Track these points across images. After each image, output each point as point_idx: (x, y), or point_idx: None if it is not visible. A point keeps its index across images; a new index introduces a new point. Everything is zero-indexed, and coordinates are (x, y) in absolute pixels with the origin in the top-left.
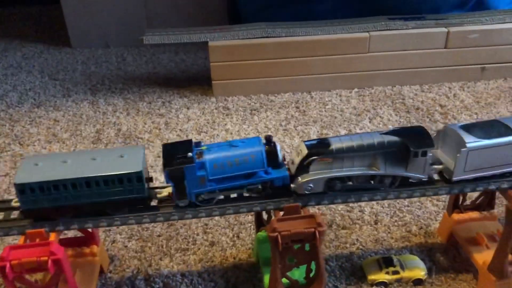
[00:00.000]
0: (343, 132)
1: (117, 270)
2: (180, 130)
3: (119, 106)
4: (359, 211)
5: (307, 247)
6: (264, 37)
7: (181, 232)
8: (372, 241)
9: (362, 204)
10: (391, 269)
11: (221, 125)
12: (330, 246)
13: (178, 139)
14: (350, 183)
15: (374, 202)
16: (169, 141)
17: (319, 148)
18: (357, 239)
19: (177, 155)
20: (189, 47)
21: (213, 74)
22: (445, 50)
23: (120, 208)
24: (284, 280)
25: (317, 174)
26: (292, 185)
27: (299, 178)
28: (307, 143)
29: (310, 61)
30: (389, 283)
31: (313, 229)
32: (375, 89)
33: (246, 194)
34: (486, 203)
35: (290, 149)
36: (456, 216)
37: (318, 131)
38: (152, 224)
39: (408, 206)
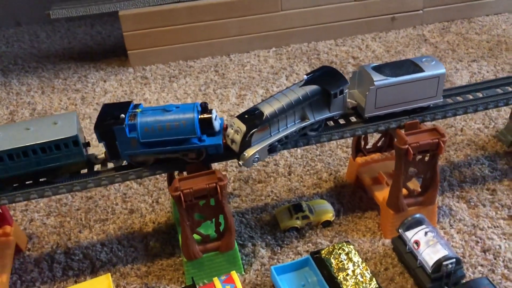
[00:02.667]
0: (261, 92)
1: (36, 248)
2: (97, 104)
3: (33, 85)
4: (274, 165)
5: (212, 202)
6: (175, 2)
7: (100, 203)
8: (286, 191)
9: (277, 158)
10: (301, 214)
11: (139, 95)
12: (247, 200)
13: (95, 114)
14: (287, 140)
15: (288, 155)
16: (85, 116)
17: (255, 120)
18: (271, 191)
19: (110, 115)
20: (106, 18)
21: (127, 44)
22: (356, 2)
23: (61, 174)
24: (196, 236)
25: (259, 144)
26: (240, 162)
27: (245, 154)
28: (240, 118)
29: (226, 23)
30: (300, 228)
31: (214, 184)
32: (291, 46)
33: (184, 159)
34: (386, 144)
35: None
36: (359, 159)
37: (236, 93)
38: (71, 198)
39: (319, 155)
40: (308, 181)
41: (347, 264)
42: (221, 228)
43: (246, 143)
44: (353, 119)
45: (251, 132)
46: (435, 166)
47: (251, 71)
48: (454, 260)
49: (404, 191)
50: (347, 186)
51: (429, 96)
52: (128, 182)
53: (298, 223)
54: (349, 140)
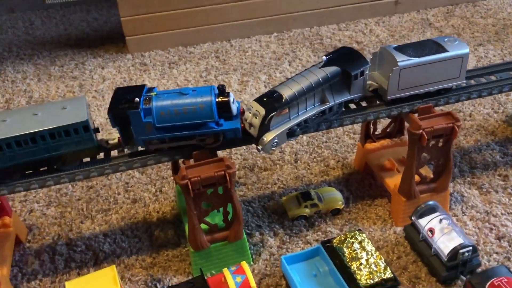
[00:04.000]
0: (263, 78)
1: (37, 239)
2: (96, 91)
3: (29, 72)
4: (280, 152)
5: (220, 190)
6: None
7: (101, 193)
8: (293, 178)
9: (283, 145)
10: (309, 202)
11: (139, 82)
12: (253, 189)
13: (94, 101)
14: (307, 124)
15: (293, 142)
16: None
17: (274, 103)
18: (278, 179)
19: (124, 99)
20: (102, 4)
21: (125, 29)
22: None
23: (72, 162)
24: (203, 225)
25: (279, 128)
26: (259, 147)
27: (264, 138)
28: (259, 101)
29: (226, 8)
30: (309, 216)
31: (223, 172)
32: (293, 31)
33: (201, 144)
34: (396, 130)
35: None
36: (368, 145)
37: (238, 79)
38: (71, 188)
39: (326, 142)
40: (315, 168)
41: (360, 253)
42: (229, 217)
43: (265, 127)
44: (374, 102)
45: (270, 116)
46: (448, 152)
47: (253, 57)
48: (470, 248)
49: (416, 177)
50: (355, 173)
51: (453, 77)
52: (130, 171)
53: (306, 211)
54: (356, 127)
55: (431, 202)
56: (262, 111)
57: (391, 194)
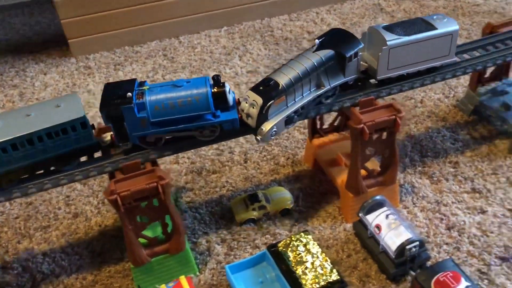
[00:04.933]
0: (212, 74)
1: None
2: (37, 99)
3: None
4: (229, 153)
5: (155, 202)
6: None
7: (40, 209)
8: (242, 180)
9: (232, 145)
10: (257, 205)
11: (83, 87)
12: (200, 194)
13: None
14: (305, 110)
15: (243, 141)
16: None
17: (271, 91)
18: (227, 181)
19: (116, 95)
20: (46, 6)
21: (67, 32)
22: None
23: (71, 161)
24: (143, 240)
25: (277, 116)
26: (258, 137)
27: (263, 128)
28: (255, 90)
29: (172, 3)
30: (258, 219)
31: (155, 184)
32: (244, 24)
33: (199, 138)
34: (343, 124)
35: None
36: (316, 140)
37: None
38: (9, 206)
39: (276, 139)
40: (265, 167)
41: (305, 256)
42: (169, 229)
43: (263, 116)
44: (367, 82)
45: (268, 105)
46: (393, 144)
47: (202, 53)
48: (417, 243)
49: (363, 171)
50: (305, 170)
51: (443, 55)
52: (72, 184)
53: (254, 214)
54: (307, 121)
55: (378, 197)
56: (259, 100)
57: (339, 190)
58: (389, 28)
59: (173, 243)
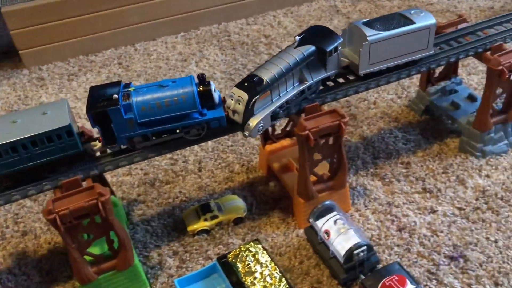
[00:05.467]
0: None
1: None
2: None
3: None
4: (183, 162)
5: (98, 219)
6: None
7: None
8: (196, 189)
9: (186, 154)
10: (209, 215)
11: (35, 99)
12: (153, 206)
13: None
14: (289, 105)
15: (198, 149)
16: None
17: (255, 87)
18: (180, 192)
19: (102, 97)
20: None
21: (17, 43)
22: None
23: (57, 169)
24: (89, 257)
25: (263, 112)
26: (245, 133)
27: (250, 124)
28: (240, 87)
29: (126, 11)
30: (210, 229)
31: (95, 201)
32: (201, 29)
33: (186, 137)
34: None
35: None
36: (269, 147)
37: None
38: None
39: (232, 145)
40: (220, 175)
41: (254, 266)
42: (115, 244)
43: (249, 112)
44: (349, 77)
45: (254, 100)
46: (340, 149)
47: (158, 60)
48: (365, 247)
49: (314, 177)
50: (260, 176)
51: (421, 49)
52: (21, 200)
53: (206, 224)
54: None
55: (327, 202)
56: (245, 96)
57: (292, 196)
58: (369, 24)
59: (120, 258)
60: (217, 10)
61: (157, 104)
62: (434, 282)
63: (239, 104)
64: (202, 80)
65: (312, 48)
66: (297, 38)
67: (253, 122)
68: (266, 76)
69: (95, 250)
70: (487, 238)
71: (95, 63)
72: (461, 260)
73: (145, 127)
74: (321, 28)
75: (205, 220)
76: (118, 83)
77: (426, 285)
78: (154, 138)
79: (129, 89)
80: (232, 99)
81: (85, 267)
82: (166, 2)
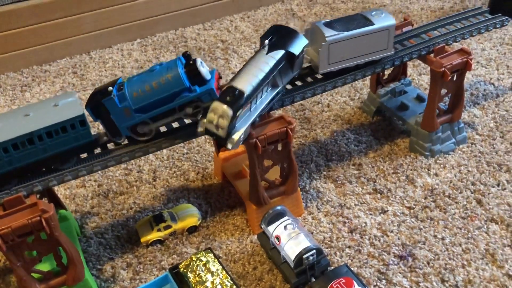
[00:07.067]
0: None
1: None
2: None
3: None
4: (138, 172)
5: (43, 236)
6: (14, 2)
7: None
8: (151, 199)
9: (141, 163)
10: (162, 225)
11: None
12: (106, 218)
13: None
14: (262, 110)
15: (153, 158)
16: None
17: (238, 101)
18: (134, 202)
19: (99, 92)
20: None
21: None
22: None
23: (69, 159)
24: (37, 274)
25: (243, 122)
26: (229, 146)
27: (233, 138)
28: (222, 101)
29: (79, 19)
30: (164, 239)
31: (38, 218)
32: (157, 36)
33: (185, 120)
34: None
35: None
36: (222, 154)
37: None
38: None
39: (187, 153)
40: (175, 184)
41: (205, 276)
42: (64, 260)
43: (232, 125)
44: (306, 80)
45: (237, 114)
46: (289, 154)
47: (113, 68)
48: (314, 251)
49: (264, 183)
50: (215, 183)
51: (381, 49)
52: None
53: (160, 235)
54: None
55: (278, 207)
56: (229, 112)
57: (245, 202)
58: (329, 24)
59: (70, 274)
60: (174, 15)
61: (147, 88)
62: (384, 282)
63: (222, 119)
64: (187, 57)
65: (282, 52)
66: (266, 42)
67: (236, 136)
68: (246, 88)
69: (45, 266)
70: (435, 236)
71: (49, 73)
72: (410, 259)
73: (141, 113)
74: (285, 30)
75: (159, 230)
76: (116, 79)
77: (376, 285)
78: (156, 124)
79: (124, 81)
80: (214, 114)
81: (33, 285)
82: (121, 9)
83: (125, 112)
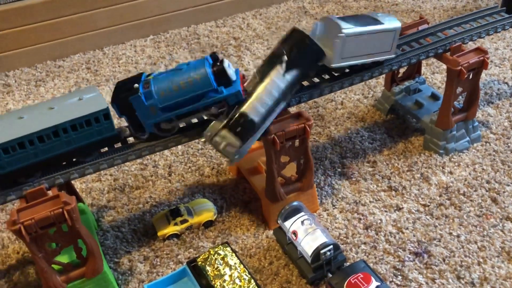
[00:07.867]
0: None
1: None
2: None
3: None
4: (153, 167)
5: (64, 228)
6: None
7: None
8: (166, 194)
9: (156, 158)
10: (179, 219)
11: (1, 106)
12: (123, 211)
13: None
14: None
15: (168, 153)
16: None
17: (248, 131)
18: (150, 196)
19: (124, 88)
20: None
21: None
22: None
23: (92, 152)
24: (57, 266)
25: (248, 143)
26: (236, 157)
27: (236, 157)
28: (232, 131)
29: (93, 15)
30: (181, 233)
31: (60, 210)
32: (170, 32)
33: (204, 116)
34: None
35: None
36: None
37: (111, 90)
38: None
39: (201, 149)
40: (190, 179)
41: (223, 269)
42: (84, 252)
43: (238, 152)
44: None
45: (245, 144)
46: (306, 151)
47: (127, 64)
48: (331, 246)
49: (281, 179)
50: (230, 179)
51: (385, 50)
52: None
53: (176, 229)
54: None
55: (295, 203)
56: (237, 143)
57: (260, 197)
58: (343, 19)
59: (89, 266)
60: (186, 12)
61: (174, 87)
62: (400, 278)
63: (231, 148)
64: (215, 59)
65: (298, 74)
66: (285, 58)
67: (239, 156)
68: (257, 117)
69: (63, 258)
70: (450, 233)
71: (63, 68)
72: (425, 256)
73: (167, 111)
74: (305, 42)
75: (175, 224)
76: (140, 74)
77: (392, 281)
78: (179, 121)
79: (149, 77)
80: (222, 139)
81: (53, 276)
82: (135, 5)
83: (151, 110)
